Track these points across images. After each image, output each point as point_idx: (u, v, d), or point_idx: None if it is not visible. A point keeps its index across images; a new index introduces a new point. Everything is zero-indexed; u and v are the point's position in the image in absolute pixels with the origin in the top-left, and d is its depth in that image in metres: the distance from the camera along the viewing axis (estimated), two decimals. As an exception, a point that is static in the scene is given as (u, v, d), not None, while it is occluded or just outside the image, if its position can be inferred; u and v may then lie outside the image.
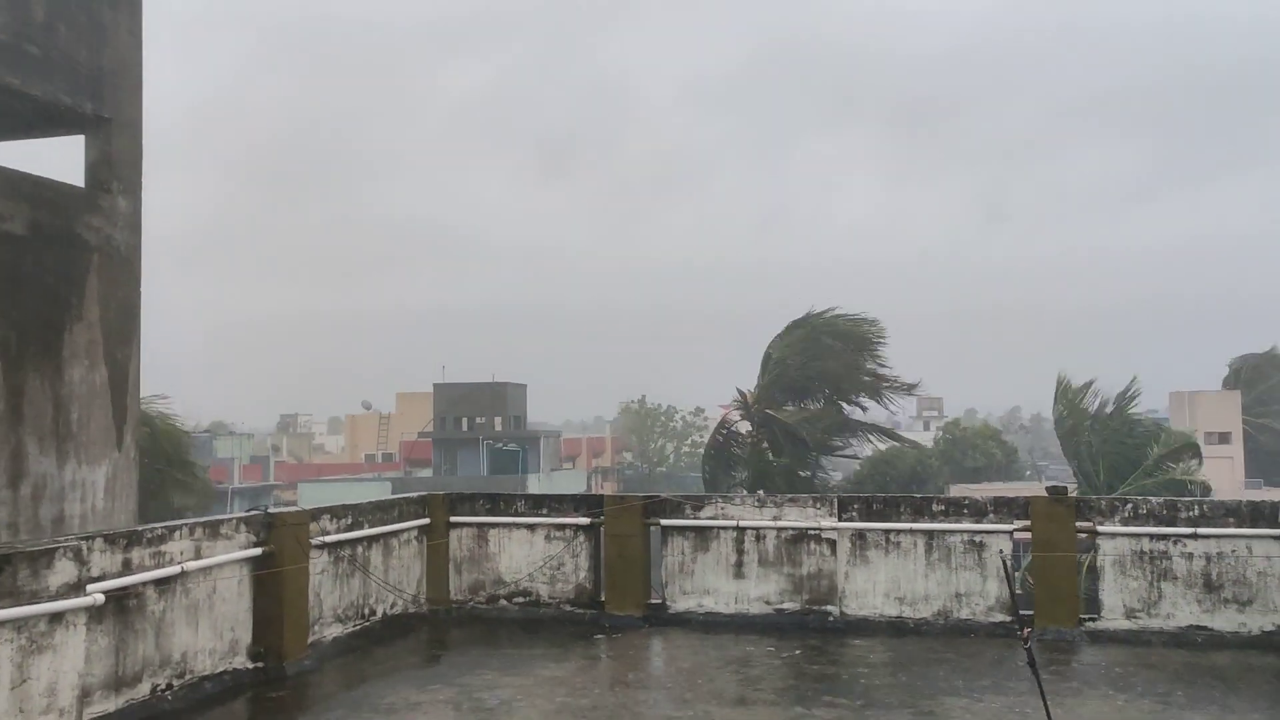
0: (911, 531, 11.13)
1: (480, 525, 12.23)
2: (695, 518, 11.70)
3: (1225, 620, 10.39)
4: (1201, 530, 10.50)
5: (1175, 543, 10.58)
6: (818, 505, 11.52)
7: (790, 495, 12.30)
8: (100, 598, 7.29)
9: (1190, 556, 10.53)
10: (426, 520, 12.12)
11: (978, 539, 10.98)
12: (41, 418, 10.61)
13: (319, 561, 10.12)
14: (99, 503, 11.24)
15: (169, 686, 8.29)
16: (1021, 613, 10.82)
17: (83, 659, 7.10)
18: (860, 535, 11.27)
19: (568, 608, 11.86)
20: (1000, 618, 10.74)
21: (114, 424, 11.55)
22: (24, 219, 10.53)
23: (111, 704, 7.71)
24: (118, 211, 11.75)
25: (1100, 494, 11.55)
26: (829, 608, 11.22)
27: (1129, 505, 10.90)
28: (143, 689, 8.04)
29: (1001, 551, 10.44)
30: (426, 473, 60.97)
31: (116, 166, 11.81)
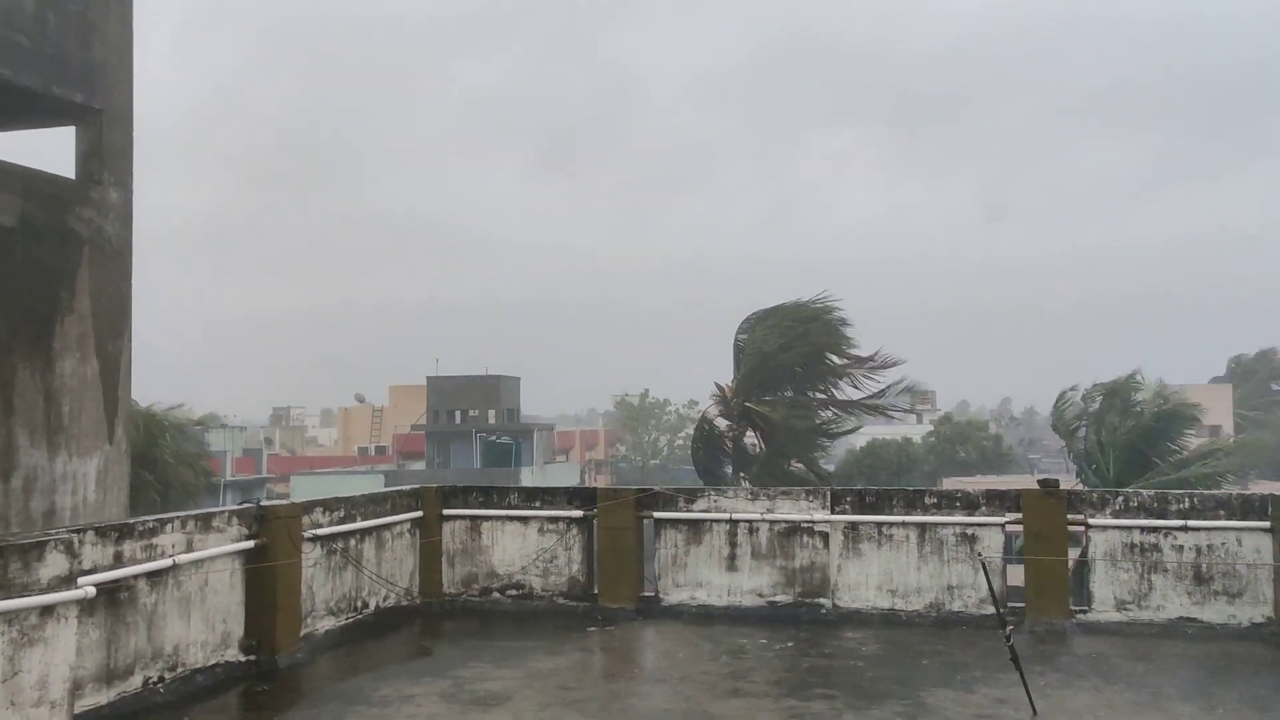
0: (904, 524, 11.15)
1: (473, 518, 12.23)
2: (688, 511, 11.71)
3: (1215, 612, 10.44)
4: (1192, 523, 10.55)
5: (1166, 535, 10.62)
6: (810, 498, 11.54)
7: (783, 488, 12.33)
8: (91, 590, 7.27)
9: (1181, 549, 10.58)
10: (419, 513, 12.11)
11: (970, 531, 11.01)
12: (32, 410, 10.58)
13: (311, 554, 10.11)
14: (90, 495, 11.21)
15: (161, 679, 8.29)
16: (1012, 604, 10.87)
17: (74, 652, 7.09)
18: (853, 528, 11.29)
19: (561, 600, 11.87)
20: (992, 610, 10.76)
21: (105, 417, 11.52)
22: (14, 211, 10.48)
23: (103, 696, 7.70)
24: (109, 203, 11.71)
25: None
26: (821, 600, 11.25)
27: (1120, 498, 10.95)
28: (134, 681, 8.03)
29: (980, 553, 10.43)
30: (419, 465, 60.87)
31: (107, 158, 11.76)
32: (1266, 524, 10.34)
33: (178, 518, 8.73)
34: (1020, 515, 10.86)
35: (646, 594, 11.80)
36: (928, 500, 11.31)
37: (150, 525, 8.31)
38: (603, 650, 10.29)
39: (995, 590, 8.79)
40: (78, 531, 7.51)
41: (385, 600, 11.43)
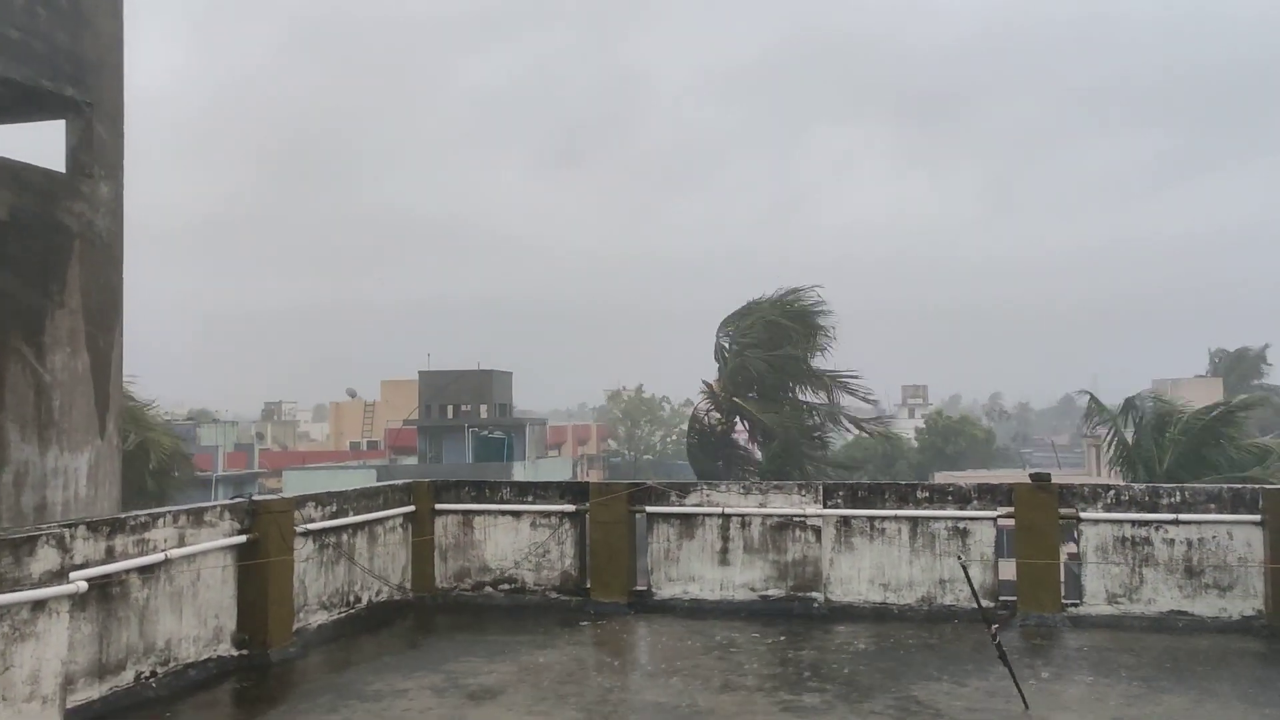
0: (896, 518, 11.17)
1: (466, 512, 12.22)
2: (681, 505, 11.72)
3: (1206, 605, 10.48)
4: (1183, 516, 10.58)
5: (1157, 529, 10.66)
6: (803, 492, 11.55)
7: (775, 482, 12.34)
8: (83, 585, 7.25)
9: (1172, 542, 10.61)
10: (412, 508, 12.10)
11: (962, 525, 11.04)
12: (23, 405, 10.54)
13: (304, 549, 10.10)
14: (82, 490, 11.18)
15: (153, 674, 8.28)
16: (1004, 598, 10.91)
17: (66, 647, 7.07)
18: (845, 522, 11.31)
19: (553, 595, 11.87)
20: (984, 603, 10.79)
21: (96, 411, 11.48)
22: (4, 204, 10.44)
23: (95, 691, 7.69)
24: (99, 197, 11.66)
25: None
26: (814, 594, 11.27)
27: (1111, 491, 10.97)
28: (126, 676, 8.02)
29: (960, 557, 10.41)
30: (411, 460, 60.79)
31: (98, 152, 11.71)
32: (1257, 517, 10.38)
33: (170, 512, 8.71)
34: (1012, 509, 10.89)
35: (639, 588, 11.81)
36: (920, 494, 11.33)
37: (142, 520, 8.29)
38: (595, 645, 10.30)
39: (977, 592, 8.83)
40: (69, 526, 7.49)
41: (378, 595, 11.42)
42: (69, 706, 7.15)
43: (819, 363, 35.92)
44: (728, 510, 11.54)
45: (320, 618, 10.37)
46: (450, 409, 60.38)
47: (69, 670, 7.20)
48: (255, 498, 9.85)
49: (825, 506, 11.35)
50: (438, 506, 12.24)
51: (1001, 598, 10.94)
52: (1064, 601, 10.80)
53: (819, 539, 11.31)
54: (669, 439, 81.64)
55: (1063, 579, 11.03)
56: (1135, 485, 11.18)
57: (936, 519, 11.09)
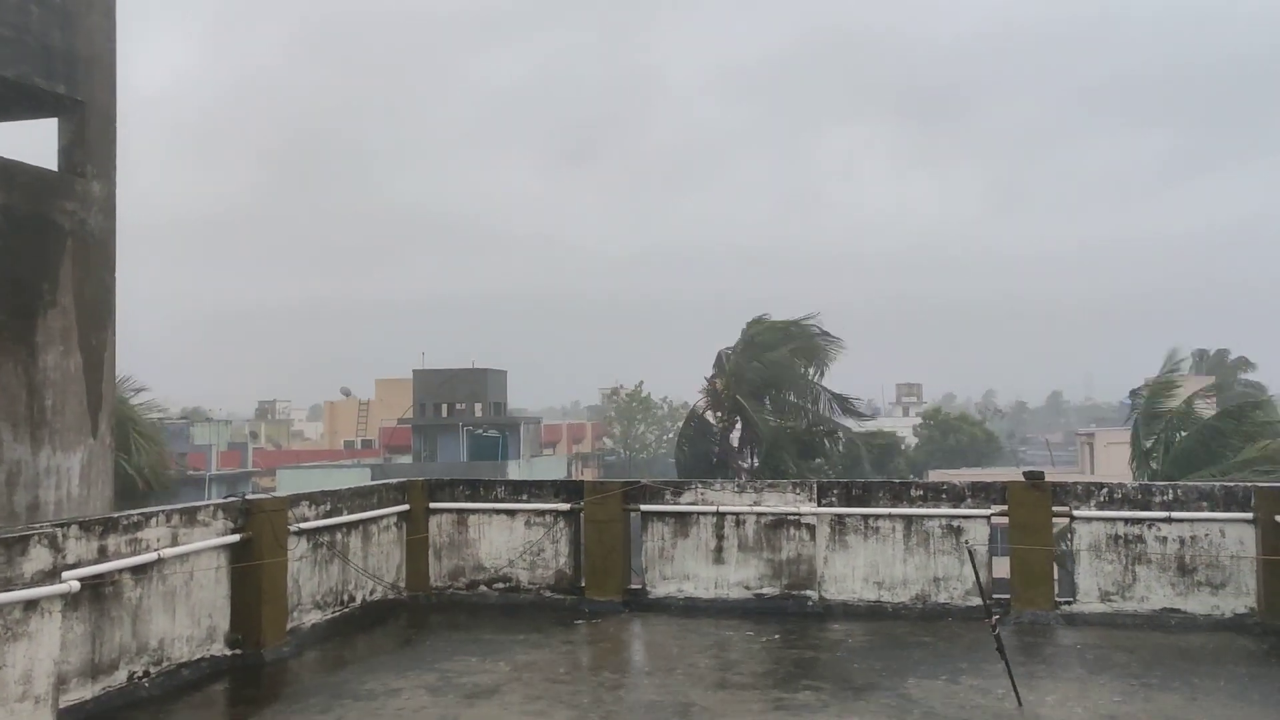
0: (890, 516, 11.19)
1: (460, 511, 12.21)
2: (675, 503, 11.72)
3: (1198, 603, 10.51)
4: (1175, 514, 10.61)
5: (1149, 527, 10.68)
6: (797, 490, 11.56)
7: (770, 481, 12.35)
8: (76, 585, 7.23)
9: (1164, 540, 10.64)
10: (406, 506, 12.09)
11: (955, 524, 11.06)
12: (15, 404, 10.51)
13: (298, 548, 10.09)
14: (74, 489, 11.14)
15: (146, 674, 8.26)
16: (998, 596, 10.92)
17: (58, 646, 7.05)
18: (839, 520, 11.31)
19: (548, 593, 11.87)
20: (978, 601, 10.81)
21: (89, 410, 11.45)
22: (-4, 203, 10.40)
23: (88, 691, 7.68)
24: (91, 195, 11.63)
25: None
26: (808, 592, 11.27)
27: (1104, 489, 10.99)
28: (119, 676, 8.00)
29: (968, 543, 10.43)
30: (406, 459, 60.76)
31: (90, 150, 11.67)
32: (1249, 515, 10.41)
33: (162, 511, 8.69)
34: (1005, 507, 10.91)
35: (633, 587, 11.81)
36: (914, 492, 11.34)
37: (135, 519, 8.27)
38: (590, 643, 10.29)
39: (981, 580, 8.83)
40: (62, 526, 7.47)
41: (372, 594, 11.41)
42: (61, 706, 7.13)
43: (821, 380, 36.79)
44: (722, 508, 11.55)
45: (314, 617, 10.35)
46: (445, 408, 60.35)
47: (61, 670, 7.19)
48: (249, 497, 9.84)
49: (819, 505, 11.35)
50: (432, 505, 12.23)
51: (995, 595, 10.95)
52: (1057, 599, 10.83)
53: (813, 537, 11.32)
54: (665, 438, 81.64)
55: (1056, 577, 11.06)
56: (1128, 483, 11.20)
57: (930, 517, 11.10)
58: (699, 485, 12.07)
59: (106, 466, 11.74)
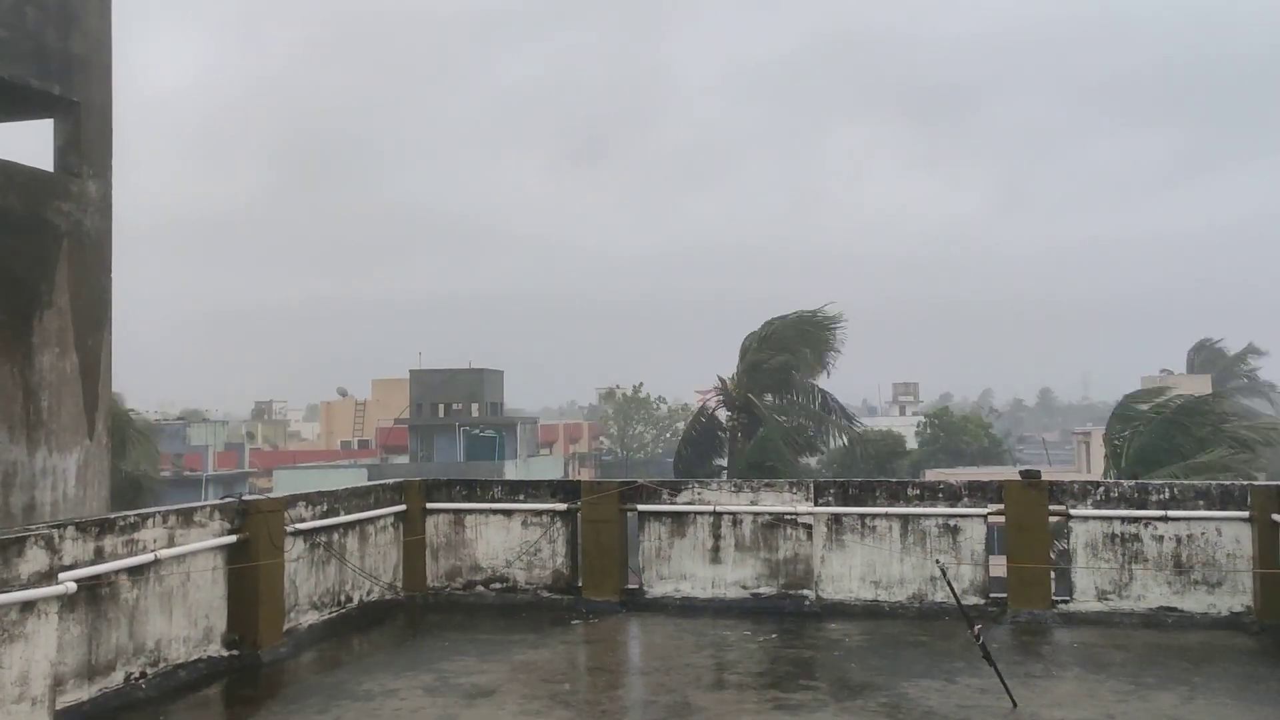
0: (887, 516, 11.19)
1: (457, 511, 12.21)
2: (672, 503, 11.72)
3: (1195, 602, 10.52)
4: (1172, 513, 10.63)
5: (1146, 525, 10.69)
6: (794, 490, 11.56)
7: (766, 480, 12.35)
8: (72, 586, 7.22)
9: (1161, 539, 10.65)
10: (403, 507, 12.08)
11: (952, 523, 11.06)
12: (11, 405, 10.49)
13: (294, 548, 10.08)
14: (70, 491, 11.13)
15: (143, 675, 8.25)
16: (995, 595, 10.94)
17: (55, 648, 7.04)
18: (836, 520, 11.32)
19: (545, 593, 11.87)
20: (975, 600, 10.83)
21: (85, 412, 11.44)
22: (-8, 204, 10.38)
23: (85, 693, 7.67)
24: (88, 196, 11.61)
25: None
26: (805, 592, 11.28)
27: (1101, 488, 11.01)
28: (116, 677, 7.99)
29: (938, 561, 10.33)
30: (403, 459, 60.75)
31: (86, 151, 11.66)
32: (1245, 514, 10.42)
33: (159, 512, 8.68)
34: (1002, 506, 10.92)
35: (630, 587, 11.81)
36: (910, 492, 11.35)
37: (131, 520, 8.26)
38: (587, 643, 10.30)
39: (957, 593, 8.85)
40: (58, 527, 7.46)
41: (369, 594, 11.41)
42: (58, 708, 7.13)
43: (824, 383, 37.46)
44: (719, 508, 11.55)
45: (311, 617, 10.35)
46: (442, 408, 60.34)
47: (58, 671, 7.18)
48: (245, 497, 9.83)
49: (816, 504, 11.36)
50: (429, 505, 12.23)
51: (992, 594, 10.97)
52: (1054, 598, 10.84)
53: (810, 537, 11.33)
54: (662, 438, 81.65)
55: (1052, 576, 11.07)
56: (1124, 482, 11.21)
57: (927, 516, 11.11)
58: (696, 485, 12.08)
59: (103, 468, 11.73)
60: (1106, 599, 10.71)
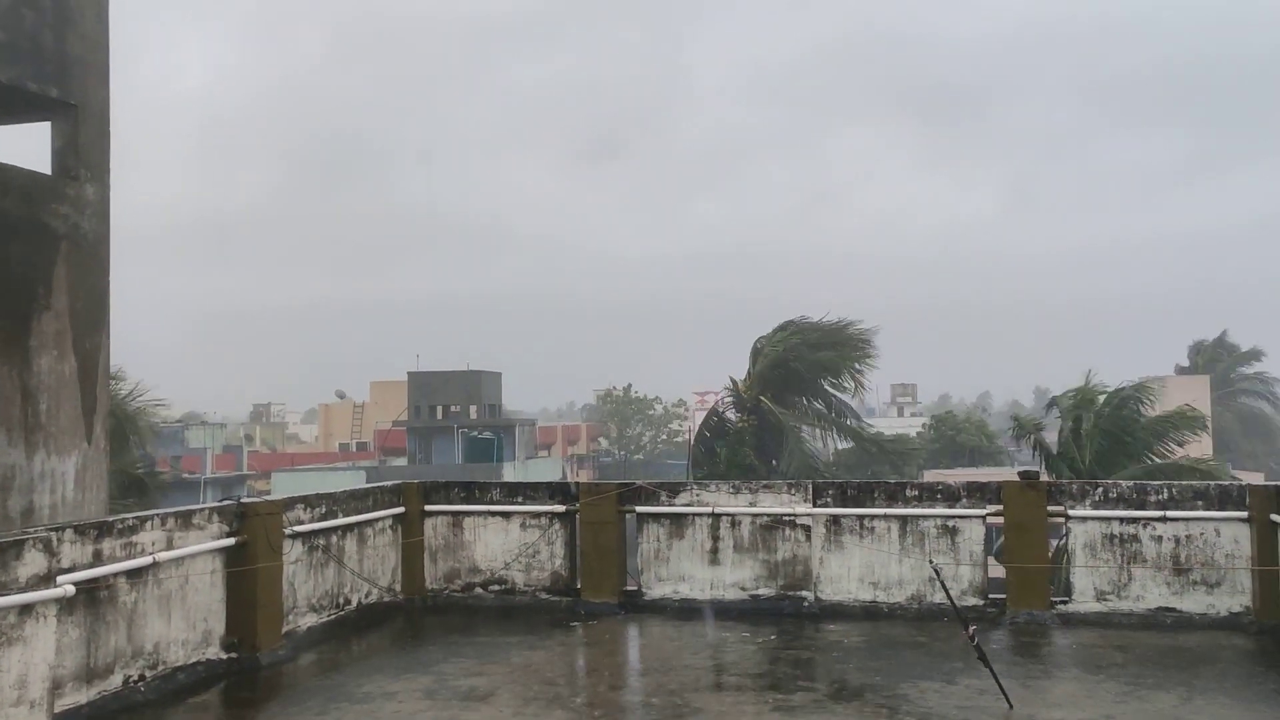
0: (885, 517, 11.19)
1: (455, 514, 12.20)
2: (671, 505, 11.71)
3: (1194, 602, 10.53)
4: (1171, 513, 10.63)
5: (1145, 526, 10.70)
6: (792, 491, 11.56)
7: (765, 482, 12.35)
8: (71, 589, 7.23)
9: (1159, 539, 10.66)
10: (401, 509, 12.08)
11: (951, 524, 11.07)
12: (9, 408, 10.48)
13: (293, 551, 10.07)
14: (69, 494, 11.11)
15: (141, 678, 8.24)
16: (994, 596, 10.94)
17: (53, 651, 7.04)
18: (835, 521, 11.32)
19: (543, 595, 11.86)
20: (974, 601, 10.84)
21: (83, 415, 11.42)
22: (-11, 207, 10.37)
23: (83, 696, 7.66)
24: (85, 199, 11.60)
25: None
26: (804, 593, 11.28)
27: (1099, 489, 11.01)
28: (115, 680, 7.99)
29: (932, 562, 10.32)
30: (401, 461, 60.70)
31: (84, 153, 11.64)
32: (1244, 514, 10.43)
33: (157, 515, 8.68)
34: (1001, 507, 10.92)
35: (629, 588, 11.81)
36: (909, 493, 11.35)
37: (130, 523, 8.26)
38: (585, 645, 10.29)
39: (952, 596, 8.86)
40: (56, 530, 7.46)
41: (367, 597, 11.40)
42: (57, 711, 7.13)
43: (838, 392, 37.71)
44: (717, 510, 11.55)
45: (310, 620, 10.34)
46: (440, 410, 60.33)
47: (56, 674, 7.18)
48: (244, 500, 9.82)
49: (815, 505, 11.36)
50: (427, 508, 12.22)
51: (991, 595, 10.97)
52: (1053, 599, 10.84)
53: (809, 538, 11.33)
54: (660, 439, 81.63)
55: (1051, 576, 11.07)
56: (1123, 483, 11.21)
57: (926, 517, 11.11)
58: (694, 486, 12.07)
59: (101, 470, 11.71)
60: (1105, 599, 10.71)
